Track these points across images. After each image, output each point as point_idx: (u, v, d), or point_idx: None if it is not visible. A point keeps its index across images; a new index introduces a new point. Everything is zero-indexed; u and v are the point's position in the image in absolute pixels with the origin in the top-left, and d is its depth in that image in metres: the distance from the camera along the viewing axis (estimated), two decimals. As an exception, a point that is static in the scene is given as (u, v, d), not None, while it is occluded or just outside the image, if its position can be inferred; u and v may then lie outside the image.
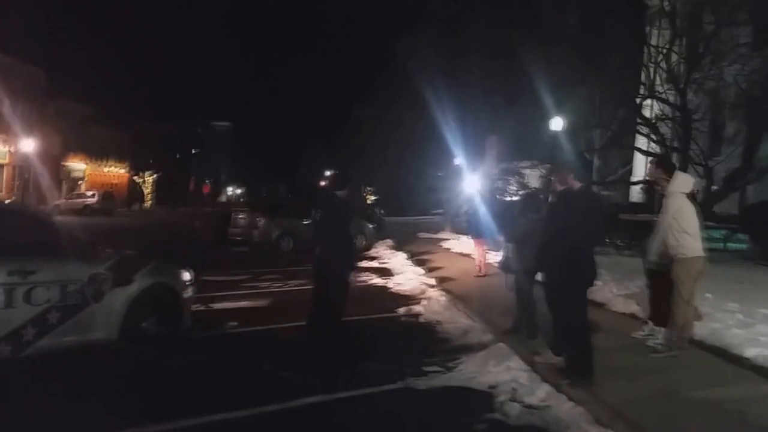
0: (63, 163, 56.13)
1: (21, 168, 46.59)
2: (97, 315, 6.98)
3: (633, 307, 9.50)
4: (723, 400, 5.89)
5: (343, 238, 8.10)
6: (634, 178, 25.50)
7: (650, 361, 7.17)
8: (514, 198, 23.25)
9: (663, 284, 7.56)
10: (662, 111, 19.88)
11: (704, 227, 7.58)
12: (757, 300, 9.48)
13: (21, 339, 6.29)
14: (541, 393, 6.12)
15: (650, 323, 8.17)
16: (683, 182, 7.55)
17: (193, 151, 79.72)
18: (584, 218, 6.46)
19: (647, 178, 8.80)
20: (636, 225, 9.13)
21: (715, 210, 17.88)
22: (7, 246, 6.54)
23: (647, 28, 20.60)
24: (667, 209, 7.33)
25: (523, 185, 27.40)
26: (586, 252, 6.45)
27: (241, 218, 23.70)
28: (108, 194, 52.22)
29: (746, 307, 8.86)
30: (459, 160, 34.78)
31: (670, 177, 7.58)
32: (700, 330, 7.70)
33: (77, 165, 59.26)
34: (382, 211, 32.85)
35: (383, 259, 18.97)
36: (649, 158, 17.90)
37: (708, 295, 8.65)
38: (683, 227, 7.20)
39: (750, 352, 6.98)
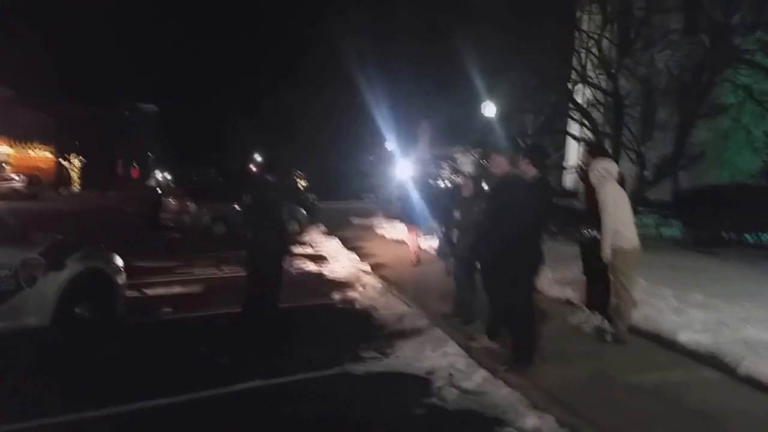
0: None
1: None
2: (29, 300, 6.84)
3: (568, 293, 9.63)
4: (658, 384, 6.02)
5: (274, 222, 8.03)
6: (566, 164, 25.88)
7: (586, 346, 7.29)
8: (447, 183, 23.38)
9: (598, 270, 7.71)
10: (594, 96, 20.14)
11: (635, 214, 7.72)
12: (691, 285, 9.65)
13: None
14: (477, 378, 6.17)
15: (586, 309, 8.34)
16: (612, 170, 7.64)
17: (120, 134, 77.93)
18: (535, 206, 6.52)
19: (580, 163, 8.89)
20: (569, 211, 9.24)
21: (648, 196, 18.29)
22: None
23: (578, 13, 20.83)
24: (604, 200, 7.38)
25: (455, 170, 27.56)
26: (537, 239, 6.51)
27: (172, 203, 23.24)
28: (34, 178, 50.84)
29: (680, 292, 9.01)
30: (391, 144, 34.83)
31: (594, 164, 7.68)
32: (635, 316, 7.82)
33: (1, 148, 57.14)
34: (314, 196, 32.63)
35: (316, 245, 18.83)
36: (581, 144, 18.19)
37: (642, 281, 8.80)
38: (619, 218, 7.30)
39: (684, 337, 7.15)
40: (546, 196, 6.82)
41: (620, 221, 7.25)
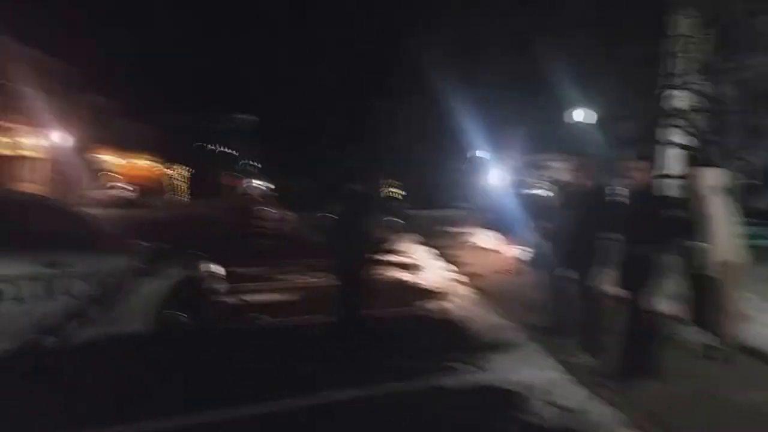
0: (97, 157, 56.55)
1: (56, 161, 47.00)
2: (132, 306, 7.07)
3: (674, 309, 9.22)
4: (764, 404, 5.70)
5: (364, 231, 8.03)
6: (665, 172, 25.06)
7: (691, 364, 6.98)
8: (542, 192, 22.93)
9: (705, 284, 7.34)
10: (695, 102, 19.44)
11: (741, 224, 7.30)
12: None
13: (61, 330, 6.36)
14: (577, 396, 5.99)
15: (692, 325, 7.93)
16: (715, 178, 7.27)
17: (218, 148, 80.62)
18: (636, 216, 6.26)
19: (681, 175, 8.50)
20: (675, 221, 8.86)
21: (759, 206, 17.44)
22: (46, 238, 6.65)
23: (676, 16, 20.17)
24: (710, 210, 7.02)
25: (550, 179, 27.04)
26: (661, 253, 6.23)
27: (269, 212, 23.70)
28: (141, 187, 53.09)
29: (791, 308, 8.53)
30: (484, 152, 34.54)
31: (700, 173, 7.30)
32: (744, 333, 7.44)
33: (111, 158, 59.81)
34: (407, 205, 32.67)
35: (408, 254, 18.79)
36: (682, 151, 17.51)
37: (752, 296, 8.34)
38: (728, 230, 6.93)
39: (795, 356, 6.74)
40: (665, 205, 6.53)
41: (729, 233, 6.86)
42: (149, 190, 56.09)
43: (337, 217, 8.34)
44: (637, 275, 6.21)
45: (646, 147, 20.41)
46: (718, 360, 7.01)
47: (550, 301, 8.31)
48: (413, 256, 17.87)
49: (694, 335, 7.74)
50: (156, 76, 65.21)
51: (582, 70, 20.17)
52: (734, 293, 6.98)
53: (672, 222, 6.32)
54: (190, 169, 71.07)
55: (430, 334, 8.87)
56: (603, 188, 7.27)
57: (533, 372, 6.62)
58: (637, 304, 6.31)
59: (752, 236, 7.61)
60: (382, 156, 47.48)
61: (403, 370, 6.81)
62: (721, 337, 7.12)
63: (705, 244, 7.02)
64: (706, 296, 7.44)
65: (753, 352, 7.24)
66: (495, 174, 27.16)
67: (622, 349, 6.41)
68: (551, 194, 16.04)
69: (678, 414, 5.46)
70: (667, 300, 9.47)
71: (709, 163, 8.09)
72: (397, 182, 55.86)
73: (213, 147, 77.32)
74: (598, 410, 5.60)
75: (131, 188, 50.36)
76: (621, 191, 7.25)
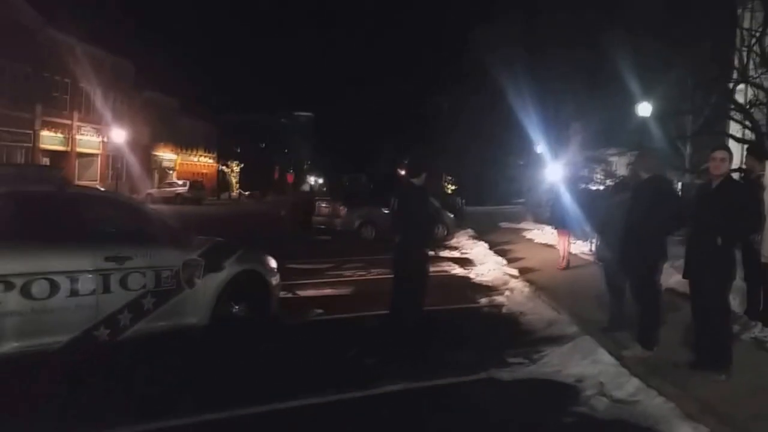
0: (153, 153, 57.83)
1: (113, 158, 48.29)
2: (190, 300, 7.16)
3: (731, 301, 9.12)
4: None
5: (420, 226, 8.05)
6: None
7: (745, 356, 6.86)
8: (599, 186, 22.63)
9: (760, 276, 7.27)
10: (756, 96, 18.95)
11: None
12: None
13: (118, 323, 6.44)
14: (629, 387, 5.96)
15: (745, 317, 7.85)
16: None
17: (277, 141, 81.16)
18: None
19: (743, 166, 8.34)
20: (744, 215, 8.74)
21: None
22: (104, 233, 6.80)
23: (739, 10, 19.66)
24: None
25: (609, 173, 26.65)
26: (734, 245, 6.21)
27: (324, 207, 23.90)
28: (197, 183, 53.82)
29: None
30: (541, 148, 34.22)
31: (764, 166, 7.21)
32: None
33: (167, 155, 61.04)
34: (463, 201, 32.59)
35: (464, 249, 18.84)
36: (744, 146, 17.08)
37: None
38: None
39: None
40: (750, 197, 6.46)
41: None
42: (204, 185, 56.84)
43: (395, 212, 8.38)
44: (706, 269, 6.14)
45: (703, 141, 20.00)
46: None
47: (606, 294, 8.30)
48: (470, 252, 17.88)
49: (747, 327, 7.67)
50: (215, 73, 66.08)
51: (644, 64, 19.83)
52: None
53: (743, 214, 6.19)
54: (245, 166, 71.74)
55: (485, 328, 8.91)
56: (660, 180, 7.21)
57: (586, 364, 6.60)
58: (705, 298, 6.25)
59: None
60: (440, 152, 47.25)
61: (459, 364, 6.90)
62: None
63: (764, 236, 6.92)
64: (760, 288, 7.36)
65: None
66: (552, 169, 26.87)
67: (692, 342, 6.36)
68: (608, 188, 15.92)
69: (732, 405, 5.40)
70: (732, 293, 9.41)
71: (766, 156, 7.93)
72: (455, 179, 55.68)
73: (269, 144, 77.89)
74: (651, 401, 5.58)
75: (185, 184, 51.05)
76: (679, 184, 7.22)
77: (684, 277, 6.52)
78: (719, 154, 6.26)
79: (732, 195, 6.13)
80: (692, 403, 5.45)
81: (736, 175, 8.82)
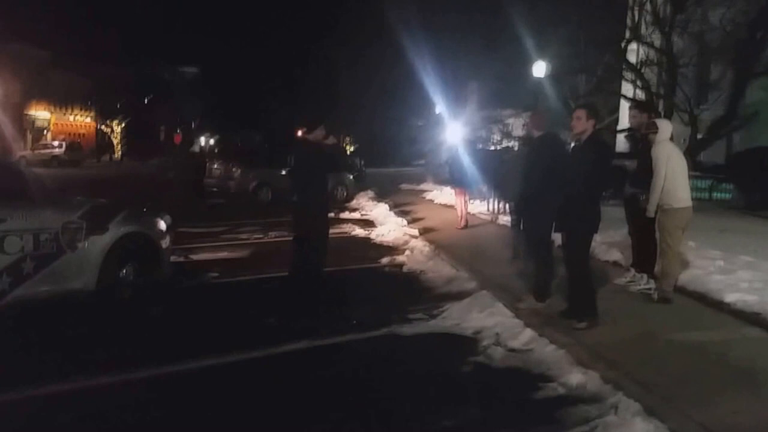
0: (26, 113, 53.86)
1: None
2: (73, 264, 6.81)
3: (615, 255, 9.59)
4: (703, 343, 5.99)
5: (319, 186, 8.05)
6: (620, 127, 25.27)
7: (631, 306, 7.29)
8: (496, 146, 23.13)
9: (644, 230, 7.62)
10: (647, 56, 19.59)
11: (690, 176, 7.54)
12: (740, 248, 9.56)
13: None
14: (524, 337, 6.18)
15: (632, 270, 8.25)
16: (667, 129, 7.51)
17: (161, 99, 77.39)
18: (601, 166, 6.44)
19: (630, 125, 8.65)
20: (619, 171, 9.08)
21: (701, 159, 17.82)
22: None
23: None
24: (657, 158, 7.25)
25: (506, 134, 27.23)
26: (596, 199, 6.45)
27: (216, 169, 23.36)
28: (75, 144, 50.67)
29: (728, 254, 8.94)
30: (440, 108, 34.51)
31: (654, 129, 7.49)
32: (682, 276, 7.79)
33: (41, 113, 56.71)
34: (362, 162, 32.66)
35: (365, 211, 18.92)
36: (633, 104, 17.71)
37: (691, 243, 8.76)
38: (671, 177, 7.16)
39: (730, 297, 7.10)
40: (603, 154, 6.70)
41: (672, 180, 7.12)
42: (83, 147, 53.50)
43: (293, 172, 8.25)
44: (573, 222, 6.43)
45: (597, 101, 20.63)
46: (657, 302, 7.30)
47: (504, 250, 8.54)
48: (370, 213, 17.98)
49: (633, 279, 8.09)
50: (92, 22, 61.14)
51: (538, 24, 20.18)
52: (672, 239, 7.26)
53: (609, 170, 6.52)
54: (126, 125, 67.51)
55: (386, 287, 9.00)
56: (551, 139, 7.40)
57: (483, 317, 6.80)
58: (572, 249, 6.55)
59: (695, 189, 7.87)
60: (336, 109, 46.78)
61: (361, 322, 6.96)
62: (660, 280, 7.42)
63: (650, 193, 7.24)
64: (645, 242, 7.73)
65: (690, 295, 7.58)
66: (451, 129, 27.20)
67: (574, 293, 6.66)
68: (504, 148, 16.27)
69: (620, 352, 5.70)
70: (608, 246, 9.86)
71: (659, 116, 8.29)
72: (354, 139, 55.47)
73: (151, 101, 73.50)
74: (543, 350, 5.81)
75: (61, 145, 47.93)
76: (569, 142, 7.45)
77: (556, 230, 6.80)
78: (576, 112, 6.68)
79: (587, 152, 6.42)
80: (582, 350, 5.71)
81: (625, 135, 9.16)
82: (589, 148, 6.45)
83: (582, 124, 6.51)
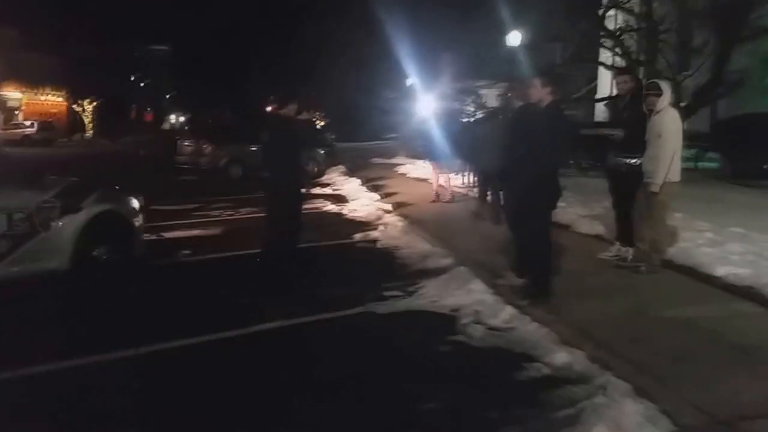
0: None
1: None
2: (47, 244, 6.77)
3: (598, 228, 9.39)
4: (693, 318, 5.79)
5: (292, 162, 7.91)
6: (598, 95, 24.99)
7: (618, 281, 7.08)
8: (471, 119, 22.82)
9: (628, 202, 7.42)
10: (627, 22, 19.23)
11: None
12: (728, 219, 9.43)
13: None
14: (504, 315, 5.97)
15: (617, 243, 8.02)
16: (669, 93, 7.26)
17: (132, 77, 76.68)
18: (551, 136, 6.20)
19: (619, 92, 8.35)
20: (600, 143, 8.88)
21: (685, 127, 17.67)
22: None
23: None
24: (664, 128, 6.96)
25: (480, 105, 26.94)
26: (552, 171, 6.22)
27: (187, 146, 23.08)
28: (47, 124, 50.94)
29: (716, 226, 8.80)
30: (412, 80, 34.10)
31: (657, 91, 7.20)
32: (670, 249, 7.62)
33: (12, 93, 56.74)
34: (333, 136, 32.25)
35: (336, 186, 18.66)
36: (615, 72, 17.39)
37: (678, 214, 8.57)
38: (678, 149, 6.94)
39: (720, 271, 6.93)
40: (560, 124, 6.48)
41: (676, 151, 6.90)
42: (55, 126, 53.65)
43: (265, 147, 8.07)
44: (534, 194, 6.22)
45: (575, 69, 20.31)
46: (644, 276, 7.12)
47: (480, 224, 8.32)
48: (342, 188, 17.70)
49: (618, 252, 7.88)
50: (62, 1, 60.29)
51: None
52: (666, 211, 7.06)
53: (567, 140, 6.30)
54: (98, 104, 67.14)
55: (361, 264, 8.77)
56: (528, 110, 7.16)
57: (461, 294, 6.58)
58: (535, 221, 6.35)
59: (683, 158, 7.66)
60: (307, 81, 46.23)
61: (335, 300, 6.73)
62: (649, 253, 7.23)
63: (657, 164, 7.00)
64: (628, 214, 7.53)
65: (679, 268, 7.38)
66: (424, 102, 26.89)
67: (533, 266, 6.46)
68: (477, 120, 15.98)
69: (607, 329, 5.49)
70: (590, 220, 9.69)
71: (640, 84, 8.03)
72: (325, 113, 54.95)
73: (124, 79, 73.10)
74: (526, 328, 5.60)
75: (33, 125, 48.16)
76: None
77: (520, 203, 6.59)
78: (534, 81, 6.49)
79: (545, 121, 6.24)
80: (566, 328, 5.50)
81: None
82: (544, 117, 6.25)
83: (536, 92, 6.31)
